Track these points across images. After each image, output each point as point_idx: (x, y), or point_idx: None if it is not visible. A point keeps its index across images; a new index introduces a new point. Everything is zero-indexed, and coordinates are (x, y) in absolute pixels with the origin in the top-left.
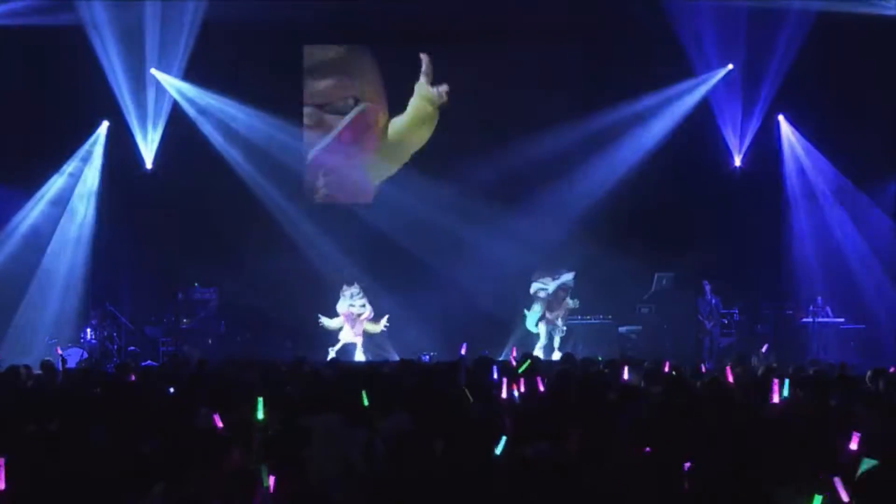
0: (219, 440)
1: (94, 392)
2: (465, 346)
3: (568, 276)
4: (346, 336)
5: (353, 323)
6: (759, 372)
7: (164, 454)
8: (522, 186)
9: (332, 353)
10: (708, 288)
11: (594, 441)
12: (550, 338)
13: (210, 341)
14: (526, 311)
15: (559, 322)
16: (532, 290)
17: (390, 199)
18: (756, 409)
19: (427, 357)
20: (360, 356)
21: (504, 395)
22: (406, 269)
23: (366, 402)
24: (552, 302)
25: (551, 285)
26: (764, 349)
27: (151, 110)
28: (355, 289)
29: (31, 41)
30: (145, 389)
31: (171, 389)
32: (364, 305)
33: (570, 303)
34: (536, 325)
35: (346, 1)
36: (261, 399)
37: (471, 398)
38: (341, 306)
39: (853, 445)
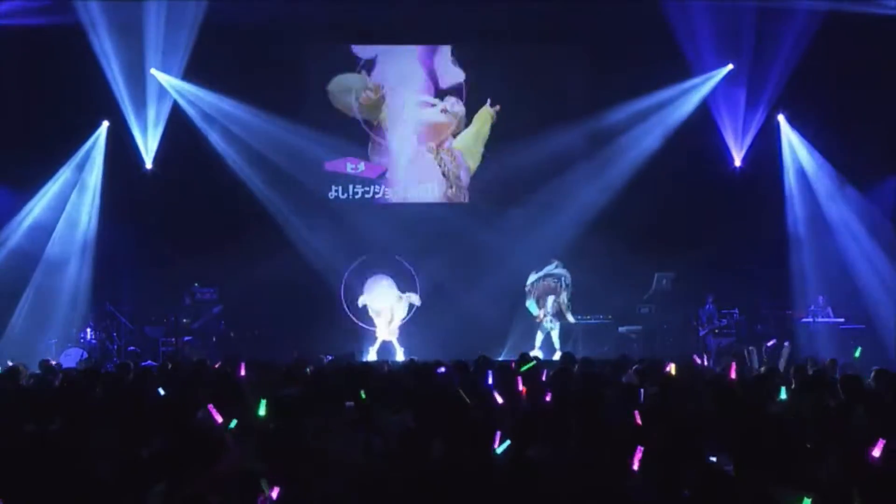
0: (218, 439)
1: (94, 392)
2: (443, 369)
3: (551, 266)
4: (383, 334)
5: (389, 318)
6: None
7: (163, 454)
8: (524, 186)
9: (372, 354)
10: (710, 298)
11: (594, 441)
12: (547, 335)
13: (212, 340)
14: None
15: (547, 318)
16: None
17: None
18: (757, 409)
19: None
20: (400, 356)
21: (500, 399)
22: (407, 269)
23: (364, 395)
24: (539, 294)
25: (533, 276)
26: (771, 343)
27: (151, 110)
28: (386, 281)
29: (31, 41)
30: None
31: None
32: (400, 298)
33: (564, 300)
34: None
35: (347, 1)
36: (264, 401)
37: (468, 400)
38: (376, 302)
39: (876, 452)
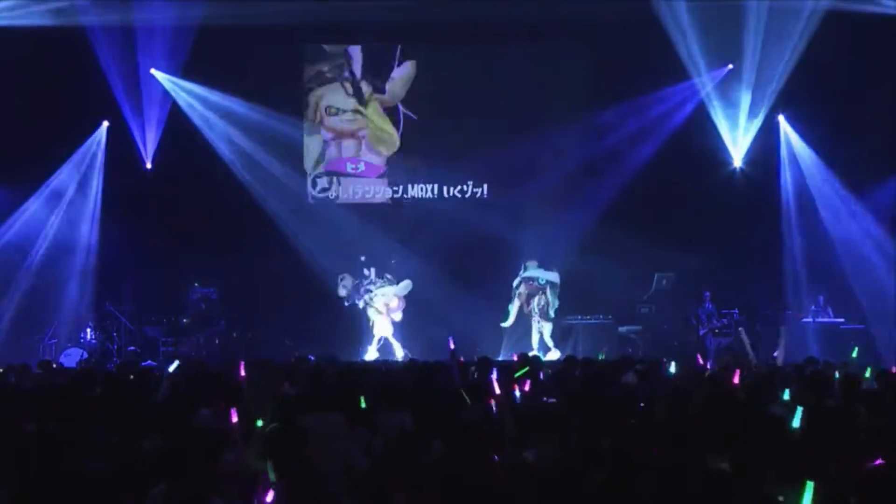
0: (218, 439)
1: (93, 392)
2: (451, 339)
3: (535, 272)
4: (380, 330)
5: (387, 314)
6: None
7: (164, 453)
8: (523, 186)
9: (373, 352)
10: (707, 296)
11: (594, 442)
12: (539, 335)
13: (212, 341)
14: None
15: (534, 318)
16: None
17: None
18: (758, 410)
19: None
20: (399, 355)
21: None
22: (405, 269)
23: (363, 402)
24: (524, 298)
25: (516, 280)
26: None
27: (151, 110)
28: (372, 278)
29: (32, 41)
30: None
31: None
32: (385, 293)
33: (546, 298)
34: (513, 318)
35: (346, 1)
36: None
37: (468, 400)
38: (374, 308)
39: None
